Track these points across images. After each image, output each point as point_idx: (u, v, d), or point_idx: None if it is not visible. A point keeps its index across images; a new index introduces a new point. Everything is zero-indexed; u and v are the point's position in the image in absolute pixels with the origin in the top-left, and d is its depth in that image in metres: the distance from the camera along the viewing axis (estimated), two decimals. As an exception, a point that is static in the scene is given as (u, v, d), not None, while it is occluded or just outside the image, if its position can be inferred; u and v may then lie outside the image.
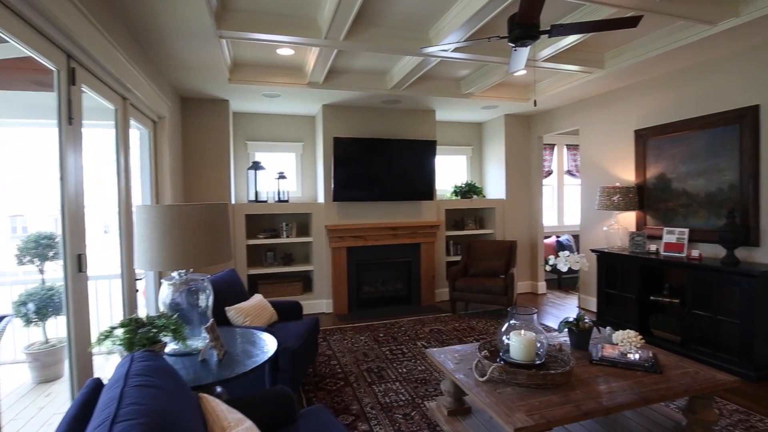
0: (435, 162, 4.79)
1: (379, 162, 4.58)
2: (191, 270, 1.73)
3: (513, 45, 2.29)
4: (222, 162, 4.27)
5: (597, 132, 4.44)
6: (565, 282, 5.73)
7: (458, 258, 5.11)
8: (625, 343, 2.10)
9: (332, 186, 4.46)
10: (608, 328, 2.33)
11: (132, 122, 2.78)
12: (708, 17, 2.60)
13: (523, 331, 1.94)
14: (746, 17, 2.56)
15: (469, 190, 5.34)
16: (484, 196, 5.58)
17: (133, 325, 1.37)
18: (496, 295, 4.18)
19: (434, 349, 2.30)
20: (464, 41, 2.68)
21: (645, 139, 3.84)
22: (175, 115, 3.83)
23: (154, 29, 2.53)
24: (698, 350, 3.04)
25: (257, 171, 4.61)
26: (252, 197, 4.69)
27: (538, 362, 1.90)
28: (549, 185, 6.28)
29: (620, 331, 2.17)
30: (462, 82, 4.30)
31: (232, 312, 2.44)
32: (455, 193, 5.37)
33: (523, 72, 3.89)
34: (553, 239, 5.85)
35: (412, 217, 4.86)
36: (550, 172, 6.21)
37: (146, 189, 3.27)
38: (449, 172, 5.71)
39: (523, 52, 2.44)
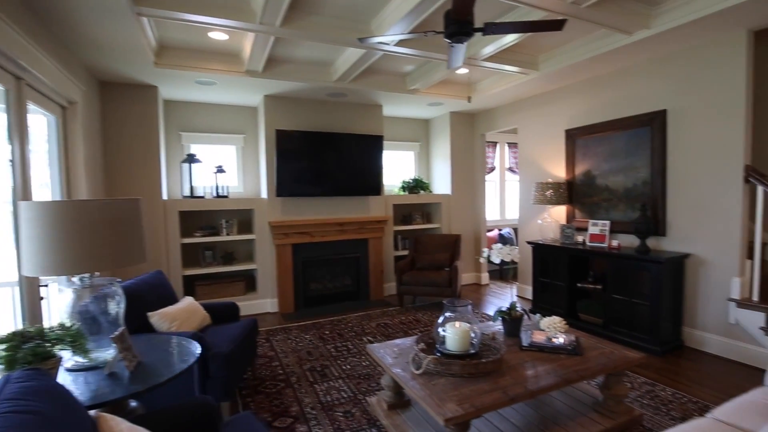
0: (382, 157, 4.78)
1: (324, 156, 4.47)
2: (97, 274, 1.54)
3: (449, 41, 2.32)
4: (151, 154, 3.91)
5: (533, 131, 4.69)
6: (506, 273, 6.04)
7: (406, 252, 5.18)
8: (550, 329, 2.24)
9: (275, 180, 4.28)
10: (537, 315, 2.47)
11: (33, 107, 2.43)
12: (624, 27, 2.83)
13: (457, 323, 1.99)
14: (655, 30, 2.82)
15: (416, 186, 5.41)
16: (430, 191, 5.69)
17: (16, 339, 1.18)
18: (441, 288, 4.29)
19: (375, 344, 2.29)
20: (405, 34, 2.67)
21: (574, 139, 4.13)
22: (91, 101, 3.43)
23: None
24: (617, 331, 3.34)
25: (192, 164, 4.29)
26: (187, 192, 4.36)
27: (472, 352, 1.96)
28: (492, 181, 6.56)
29: (547, 317, 2.31)
30: (407, 78, 4.31)
31: (156, 318, 2.24)
32: (403, 188, 5.42)
33: (465, 70, 3.99)
34: (495, 232, 6.14)
35: (360, 213, 4.83)
36: (492, 169, 6.49)
37: (56, 184, 2.90)
38: (397, 167, 5.75)
39: (460, 49, 2.48)
